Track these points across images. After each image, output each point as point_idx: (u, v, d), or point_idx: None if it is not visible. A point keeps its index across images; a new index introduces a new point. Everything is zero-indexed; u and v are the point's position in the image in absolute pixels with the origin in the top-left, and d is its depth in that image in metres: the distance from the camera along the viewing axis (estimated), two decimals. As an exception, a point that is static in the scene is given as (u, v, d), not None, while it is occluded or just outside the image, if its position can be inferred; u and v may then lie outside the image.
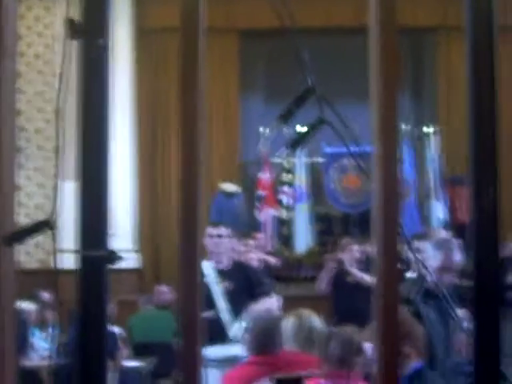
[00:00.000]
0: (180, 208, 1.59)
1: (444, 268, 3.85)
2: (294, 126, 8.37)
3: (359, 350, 3.70)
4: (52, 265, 10.60)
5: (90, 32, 1.52)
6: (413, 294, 2.51)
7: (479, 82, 1.71)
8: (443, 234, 8.65)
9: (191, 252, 1.49)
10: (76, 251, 1.52)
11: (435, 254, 4.11)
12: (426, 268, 2.73)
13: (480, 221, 1.73)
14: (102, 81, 1.52)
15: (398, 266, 1.63)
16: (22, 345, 7.23)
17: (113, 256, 1.50)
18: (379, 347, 1.65)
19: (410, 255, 6.19)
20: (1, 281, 1.59)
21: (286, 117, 1.70)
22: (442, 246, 4.23)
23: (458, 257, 3.58)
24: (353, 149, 1.85)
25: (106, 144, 1.57)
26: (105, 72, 1.53)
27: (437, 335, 3.88)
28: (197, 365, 1.50)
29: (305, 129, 1.73)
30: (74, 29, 1.51)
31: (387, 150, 1.62)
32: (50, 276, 10.13)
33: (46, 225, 1.54)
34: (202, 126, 1.60)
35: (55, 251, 1.67)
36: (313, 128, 1.71)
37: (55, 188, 1.61)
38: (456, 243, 4.00)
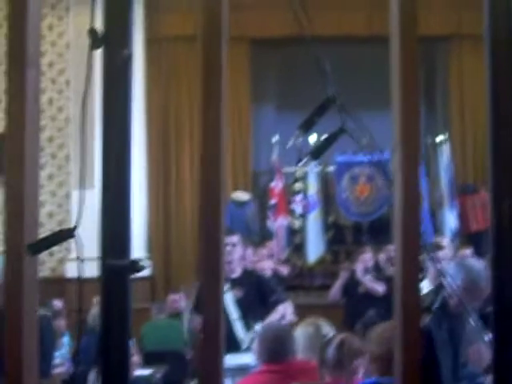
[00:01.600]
0: (201, 215, 1.59)
1: (465, 289, 3.80)
2: (307, 136, 8.37)
3: (357, 353, 3.69)
4: (63, 273, 10.66)
5: (113, 41, 1.52)
6: (436, 305, 2.50)
7: (498, 88, 1.71)
8: (467, 253, 8.56)
9: (214, 262, 1.49)
10: (99, 260, 1.52)
11: (458, 274, 4.06)
12: (445, 277, 2.72)
13: (499, 228, 1.73)
14: (126, 90, 1.52)
15: (419, 274, 1.62)
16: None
17: (136, 265, 1.50)
18: (400, 356, 1.65)
19: (427, 264, 6.18)
20: (25, 289, 1.59)
21: (307, 126, 1.70)
22: (465, 267, 4.18)
23: (483, 281, 3.53)
24: (371, 157, 1.84)
25: (129, 152, 1.57)
26: (128, 81, 1.53)
27: (445, 357, 3.86)
28: (218, 375, 1.49)
29: (324, 137, 1.73)
30: (96, 39, 1.52)
31: (409, 157, 1.62)
32: (60, 284, 10.16)
33: (69, 234, 1.54)
34: (224, 138, 1.60)
35: (80, 260, 1.66)
36: (334, 137, 1.70)
37: (81, 197, 1.61)
38: (482, 266, 3.93)
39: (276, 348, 4.34)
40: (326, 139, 1.74)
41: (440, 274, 3.35)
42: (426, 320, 3.74)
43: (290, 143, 1.81)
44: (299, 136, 1.72)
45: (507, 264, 1.69)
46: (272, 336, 4.43)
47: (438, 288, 2.66)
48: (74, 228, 1.54)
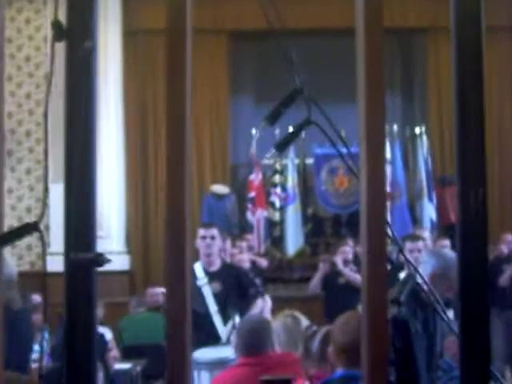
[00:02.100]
0: (166, 210, 1.58)
1: (436, 276, 3.82)
2: (286, 127, 8.37)
3: None
4: (42, 267, 10.63)
5: (75, 34, 1.51)
6: (404, 296, 2.50)
7: (465, 80, 1.72)
8: (444, 243, 8.64)
9: (179, 261, 1.49)
10: (63, 254, 1.51)
11: (430, 261, 4.09)
12: (416, 268, 2.73)
13: (467, 221, 1.73)
14: (89, 83, 1.52)
15: (387, 266, 1.63)
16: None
17: (100, 259, 1.50)
18: (367, 349, 1.65)
19: (402, 256, 6.21)
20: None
21: (273, 118, 1.70)
22: (437, 254, 4.21)
23: (455, 270, 3.55)
24: (341, 150, 1.85)
25: (93, 146, 1.56)
26: (92, 74, 1.52)
27: (419, 348, 3.88)
28: (185, 369, 1.49)
29: (291, 130, 1.72)
30: (60, 30, 1.51)
31: (374, 150, 1.62)
32: (40, 278, 10.11)
33: (34, 227, 1.53)
34: (189, 130, 1.59)
35: (44, 254, 1.66)
36: (299, 129, 1.70)
37: (45, 191, 1.60)
38: (454, 255, 3.97)
39: (254, 341, 4.34)
40: (291, 131, 1.74)
41: (410, 264, 3.36)
42: (402, 311, 3.75)
43: (257, 135, 1.81)
44: (265, 127, 1.71)
45: (474, 256, 1.70)
46: (250, 329, 4.44)
47: (407, 279, 2.66)
48: (37, 222, 1.53)
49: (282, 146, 1.75)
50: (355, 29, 1.61)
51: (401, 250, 2.81)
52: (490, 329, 1.65)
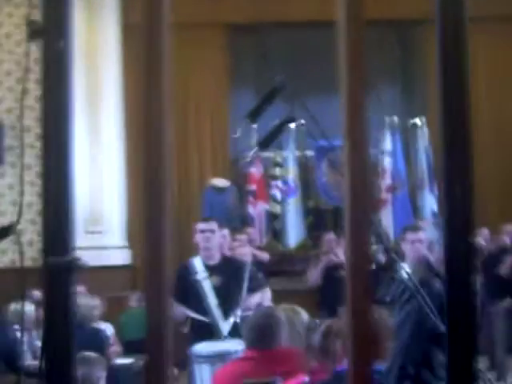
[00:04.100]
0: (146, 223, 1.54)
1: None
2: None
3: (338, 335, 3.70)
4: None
5: (48, 33, 1.48)
6: (389, 296, 2.48)
7: (449, 70, 1.70)
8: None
9: (157, 254, 1.46)
10: (41, 257, 1.50)
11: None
12: (399, 264, 2.70)
13: (451, 213, 1.72)
14: (62, 82, 1.49)
15: (371, 264, 1.60)
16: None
17: (75, 263, 1.48)
18: (350, 343, 1.63)
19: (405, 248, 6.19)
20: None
21: (255, 115, 1.67)
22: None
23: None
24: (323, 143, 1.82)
25: (69, 145, 1.53)
26: (64, 74, 1.50)
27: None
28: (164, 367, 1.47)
29: (272, 127, 1.70)
30: (33, 30, 1.49)
31: (355, 143, 1.60)
32: (40, 274, 10.08)
33: (10, 230, 1.51)
34: (168, 132, 1.56)
35: (21, 255, 1.65)
36: (281, 126, 1.68)
37: (21, 192, 1.59)
38: None
39: (262, 335, 4.32)
40: (274, 129, 1.72)
41: (394, 262, 3.34)
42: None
43: (238, 133, 1.78)
44: (248, 124, 1.69)
45: (458, 247, 1.69)
46: (259, 322, 4.41)
47: (389, 280, 2.65)
48: (13, 224, 1.51)
49: (265, 144, 1.73)
50: (336, 21, 1.59)
51: (387, 250, 2.78)
52: (477, 316, 1.64)
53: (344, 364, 3.56)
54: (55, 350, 1.47)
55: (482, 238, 9.46)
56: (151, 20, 1.49)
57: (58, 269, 1.44)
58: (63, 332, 1.46)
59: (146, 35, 1.50)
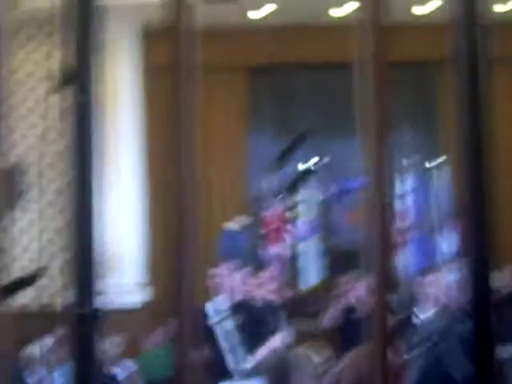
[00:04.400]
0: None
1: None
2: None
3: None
4: (56, 308, 10.52)
5: (76, 83, 1.51)
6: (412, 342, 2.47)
7: (468, 110, 1.72)
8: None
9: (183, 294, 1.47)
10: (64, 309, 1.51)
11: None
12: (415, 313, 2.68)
13: (473, 251, 1.73)
14: (86, 131, 1.51)
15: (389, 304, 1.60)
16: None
17: (96, 314, 1.49)
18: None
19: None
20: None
21: (282, 161, 1.69)
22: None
23: None
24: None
25: (90, 203, 1.55)
26: (89, 120, 1.52)
27: None
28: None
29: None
30: (64, 78, 1.52)
31: (378, 184, 1.61)
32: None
33: (36, 277, 1.53)
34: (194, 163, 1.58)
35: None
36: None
37: (40, 235, 1.60)
38: None
39: (276, 378, 4.31)
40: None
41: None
42: None
43: (264, 183, 1.80)
44: (277, 170, 1.71)
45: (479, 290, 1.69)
46: (274, 366, 4.41)
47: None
48: (37, 273, 1.52)
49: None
50: (355, 63, 1.60)
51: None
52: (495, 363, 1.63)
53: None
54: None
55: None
56: (178, 65, 1.51)
57: (83, 319, 1.45)
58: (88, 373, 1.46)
59: (172, 79, 1.53)
